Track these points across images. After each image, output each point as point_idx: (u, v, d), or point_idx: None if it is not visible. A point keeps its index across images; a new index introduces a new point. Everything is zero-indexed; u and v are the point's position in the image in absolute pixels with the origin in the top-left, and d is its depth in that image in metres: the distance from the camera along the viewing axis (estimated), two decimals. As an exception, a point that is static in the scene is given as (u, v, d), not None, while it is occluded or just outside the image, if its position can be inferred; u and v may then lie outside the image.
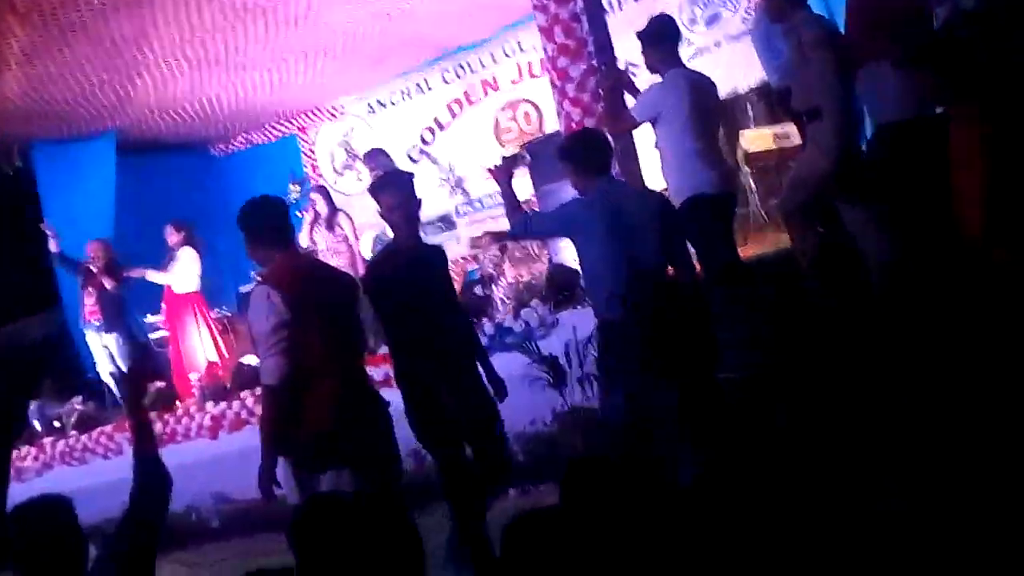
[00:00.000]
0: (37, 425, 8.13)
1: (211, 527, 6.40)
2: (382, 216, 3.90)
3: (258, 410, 6.58)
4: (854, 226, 4.42)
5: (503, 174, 4.01)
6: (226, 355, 8.34)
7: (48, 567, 2.51)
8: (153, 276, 8.36)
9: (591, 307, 5.30)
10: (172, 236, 8.31)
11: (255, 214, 3.54)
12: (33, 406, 8.29)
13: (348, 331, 3.59)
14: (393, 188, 3.86)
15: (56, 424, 7.94)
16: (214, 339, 8.36)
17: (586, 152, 3.90)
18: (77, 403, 7.99)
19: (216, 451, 6.62)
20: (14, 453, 7.84)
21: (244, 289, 9.11)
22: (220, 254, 10.75)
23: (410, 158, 10.13)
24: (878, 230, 4.27)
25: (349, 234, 7.76)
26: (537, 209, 5.92)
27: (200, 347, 8.24)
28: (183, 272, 8.24)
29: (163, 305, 8.43)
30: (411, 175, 4.09)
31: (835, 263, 4.61)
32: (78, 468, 7.26)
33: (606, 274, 3.76)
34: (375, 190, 3.93)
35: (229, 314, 9.20)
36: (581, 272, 4.04)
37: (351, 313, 3.68)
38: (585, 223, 3.79)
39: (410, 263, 3.77)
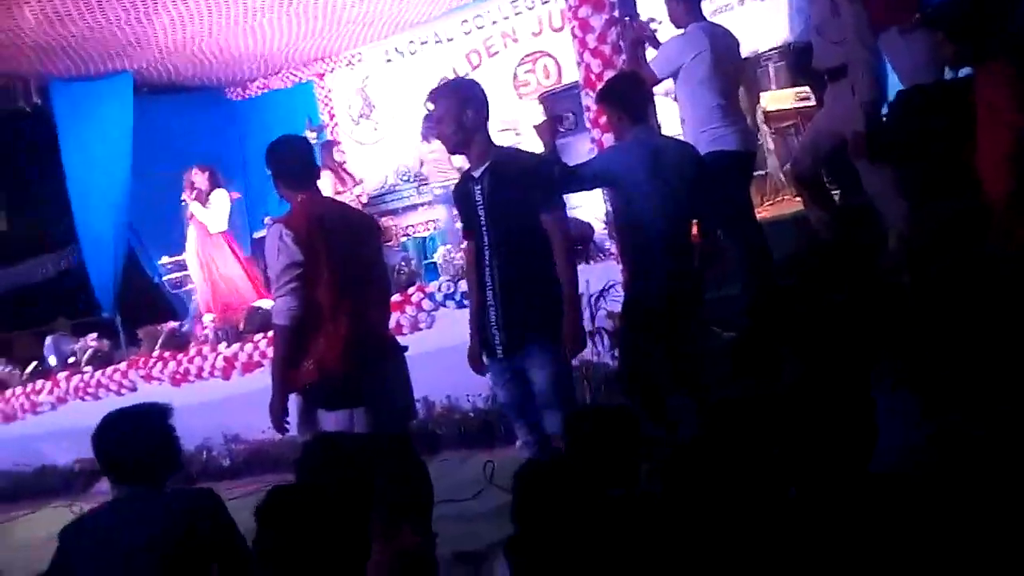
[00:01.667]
0: (52, 359, 8.25)
1: (223, 466, 6.51)
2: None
3: (271, 352, 6.65)
4: (873, 190, 4.41)
5: (547, 133, 3.98)
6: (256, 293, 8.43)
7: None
8: (199, 212, 8.40)
9: (606, 260, 5.34)
10: (198, 177, 8.32)
11: (279, 152, 3.56)
12: (49, 341, 8.41)
13: (366, 274, 3.59)
14: None
15: (71, 360, 8.05)
16: (250, 277, 8.40)
17: (628, 96, 3.88)
18: (92, 340, 8.09)
19: (229, 392, 6.70)
20: (29, 386, 7.99)
21: (258, 234, 9.17)
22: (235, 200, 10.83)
23: (427, 108, 10.07)
24: (898, 197, 4.25)
25: (221, 213, 8.00)
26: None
27: (238, 284, 8.27)
28: (219, 212, 8.30)
29: (194, 245, 8.44)
30: None
31: (852, 227, 4.60)
32: (92, 403, 7.36)
33: (640, 222, 3.77)
34: None
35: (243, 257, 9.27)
36: (614, 219, 4.03)
37: (370, 256, 3.69)
38: (622, 169, 3.78)
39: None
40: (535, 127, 4.03)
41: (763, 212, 5.84)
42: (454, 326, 6.17)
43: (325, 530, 2.00)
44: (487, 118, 3.46)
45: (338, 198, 8.32)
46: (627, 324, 4.03)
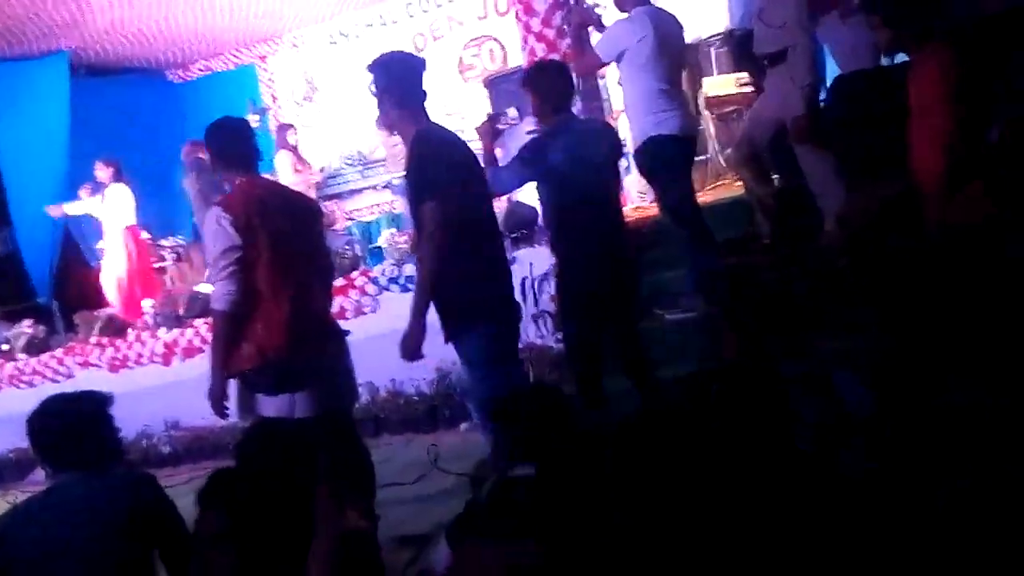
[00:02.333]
0: (-15, 347, 8.04)
1: (163, 453, 6.43)
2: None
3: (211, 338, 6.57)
4: (811, 174, 4.48)
5: (486, 136, 3.96)
6: (170, 285, 8.43)
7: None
8: (85, 208, 8.38)
9: (547, 245, 5.35)
10: (101, 171, 8.33)
11: (218, 134, 3.50)
12: (-20, 327, 8.19)
13: (307, 257, 3.55)
14: None
15: (4, 347, 7.84)
16: (150, 271, 8.47)
17: (548, 83, 3.88)
18: (26, 326, 7.89)
19: (169, 378, 6.60)
20: (-38, 373, 7.77)
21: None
22: (176, 182, 10.64)
23: (371, 92, 9.98)
24: (835, 180, 4.33)
25: (118, 209, 8.07)
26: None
27: (133, 280, 8.34)
28: (117, 208, 8.27)
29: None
30: None
31: (791, 211, 4.68)
32: (27, 391, 7.19)
33: (569, 207, 3.78)
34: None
35: (184, 243, 9.13)
36: (543, 208, 4.04)
37: (312, 239, 3.64)
38: (546, 158, 3.78)
39: None
40: (476, 129, 4.02)
41: (704, 196, 5.90)
42: (398, 310, 6.18)
43: (266, 513, 1.98)
44: (414, 94, 3.40)
45: (297, 182, 8.37)
46: (563, 310, 4.05)
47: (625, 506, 1.87)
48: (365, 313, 6.16)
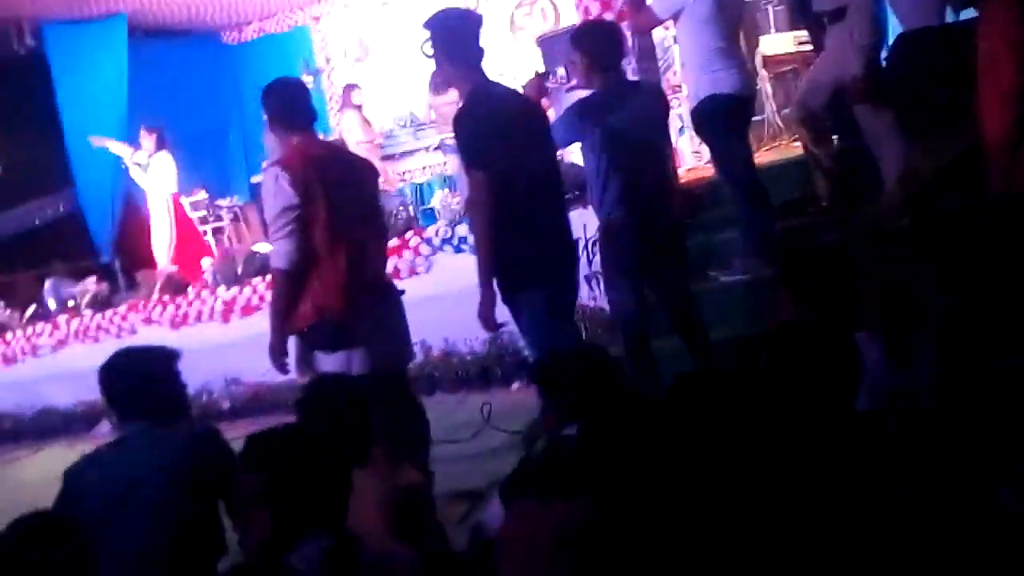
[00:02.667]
0: (52, 303, 8.28)
1: (222, 408, 6.59)
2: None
3: (269, 296, 6.68)
4: (871, 133, 4.40)
5: (534, 90, 3.95)
6: (228, 244, 8.59)
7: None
8: (133, 170, 8.49)
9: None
10: (145, 139, 8.40)
11: (275, 94, 3.54)
12: (48, 284, 8.43)
13: (363, 216, 3.58)
14: None
15: (70, 303, 8.08)
16: (191, 237, 8.58)
17: (596, 42, 3.84)
18: (91, 283, 8.11)
19: (228, 335, 6.75)
20: (29, 329, 8.03)
21: (255, 179, 9.15)
22: (230, 144, 10.78)
23: (424, 53, 9.97)
24: (896, 140, 4.24)
25: (162, 177, 8.15)
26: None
27: (171, 245, 8.43)
28: (161, 176, 8.37)
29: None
30: None
31: (850, 171, 4.60)
32: (92, 346, 7.41)
33: (607, 170, 3.76)
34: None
35: (241, 204, 9.27)
36: (587, 168, 4.03)
37: (368, 199, 3.68)
38: (589, 117, 3.77)
39: None
40: (524, 87, 4.01)
41: (760, 157, 5.82)
42: (451, 270, 6.22)
43: (309, 472, 2.01)
44: (471, 51, 3.40)
45: (363, 140, 8.43)
46: (606, 273, 4.03)
47: (678, 465, 1.89)
48: (418, 273, 6.22)
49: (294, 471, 1.98)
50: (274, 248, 3.43)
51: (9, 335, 8.13)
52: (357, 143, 8.66)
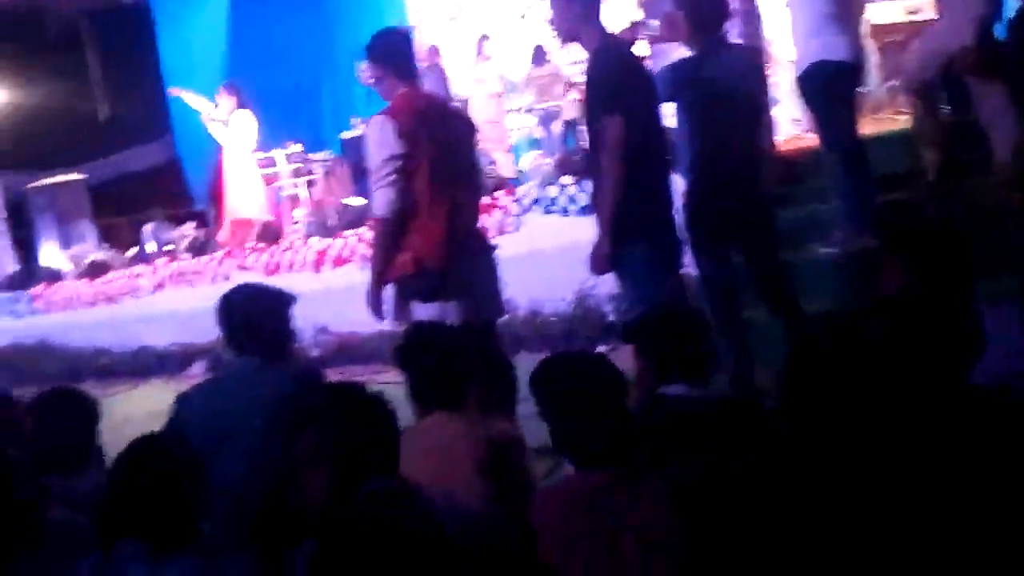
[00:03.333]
0: (152, 246, 8.58)
1: (310, 357, 6.73)
2: None
3: (360, 248, 6.81)
4: (985, 108, 4.25)
5: (627, 39, 3.92)
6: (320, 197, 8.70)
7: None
8: (211, 126, 8.65)
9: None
10: (224, 98, 8.50)
11: (381, 45, 3.59)
12: (148, 228, 8.73)
13: (462, 169, 3.62)
14: None
15: (168, 247, 8.36)
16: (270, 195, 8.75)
17: (701, 3, 3.79)
18: (189, 229, 8.36)
19: (319, 285, 6.90)
20: (129, 271, 8.33)
21: (346, 135, 9.29)
22: (323, 100, 10.93)
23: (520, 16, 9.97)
24: (1010, 114, 4.10)
25: (243, 135, 8.25)
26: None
27: (253, 202, 8.61)
28: (241, 134, 8.50)
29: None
30: None
31: (959, 145, 4.46)
32: (188, 290, 7.66)
33: (698, 134, 3.73)
34: None
35: (332, 158, 9.42)
36: (679, 131, 3.98)
37: (467, 152, 3.72)
38: (686, 82, 3.72)
39: None
40: (619, 33, 3.98)
41: (864, 128, 5.66)
42: (540, 231, 6.25)
43: (368, 428, 2.03)
44: (597, 3, 3.41)
45: (495, 95, 8.45)
46: (692, 240, 3.99)
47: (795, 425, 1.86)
48: (507, 233, 6.26)
49: (351, 427, 2.00)
50: (376, 196, 3.49)
51: (111, 274, 8.43)
52: (489, 95, 8.72)
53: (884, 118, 6.20)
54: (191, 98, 8.71)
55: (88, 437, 2.95)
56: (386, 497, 1.86)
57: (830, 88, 4.25)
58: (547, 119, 9.17)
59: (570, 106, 8.61)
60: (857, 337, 1.86)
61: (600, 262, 3.41)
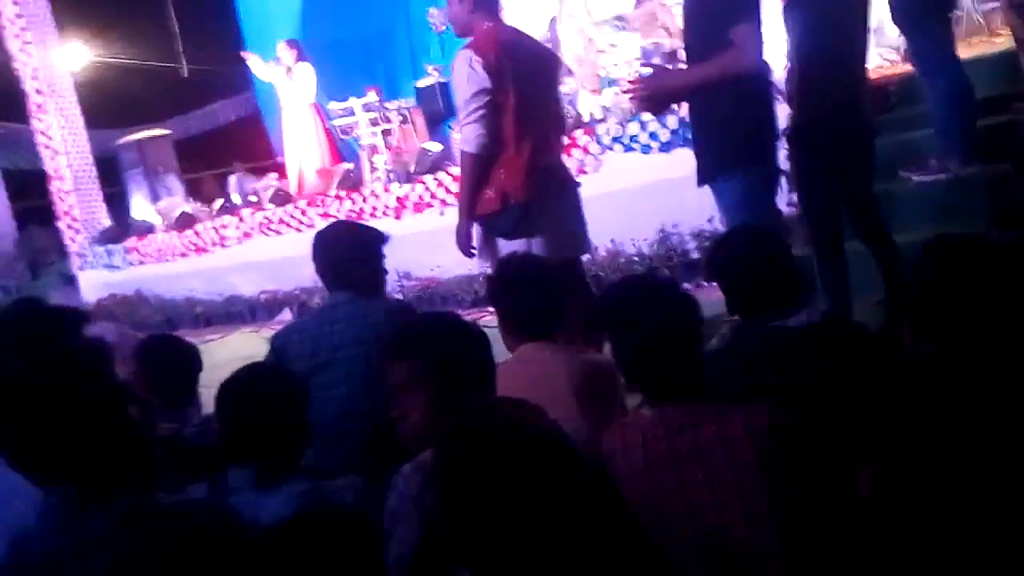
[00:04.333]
0: (237, 197, 8.77)
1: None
2: None
3: (440, 193, 6.85)
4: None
5: None
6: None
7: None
8: (264, 71, 8.90)
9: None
10: (284, 52, 8.72)
11: None
12: (232, 180, 8.92)
13: (547, 105, 3.60)
14: None
15: (252, 199, 8.52)
16: (332, 147, 8.95)
17: None
18: (272, 179, 8.50)
19: (400, 230, 6.95)
20: (217, 222, 8.53)
21: (420, 83, 9.29)
22: (397, 48, 10.92)
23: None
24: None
25: (307, 87, 8.45)
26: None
27: (317, 153, 8.80)
28: (303, 86, 8.69)
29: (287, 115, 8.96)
30: None
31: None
32: (274, 238, 7.81)
33: (804, 66, 3.60)
34: None
35: (408, 106, 9.44)
36: (789, 59, 3.87)
37: (552, 88, 3.68)
38: (795, 15, 3.60)
39: None
40: None
41: (959, 53, 5.44)
42: (620, 170, 6.18)
43: (461, 356, 2.02)
44: None
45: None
46: (798, 166, 3.88)
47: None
48: (586, 172, 6.19)
49: (446, 358, 2.00)
50: (464, 132, 3.48)
51: (200, 227, 8.66)
52: (579, 31, 8.60)
53: (980, 41, 5.95)
54: (252, 61, 8.99)
55: (190, 380, 3.06)
56: (499, 409, 1.87)
57: (922, 10, 4.08)
58: (648, 56, 8.93)
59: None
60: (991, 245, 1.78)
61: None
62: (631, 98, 3.36)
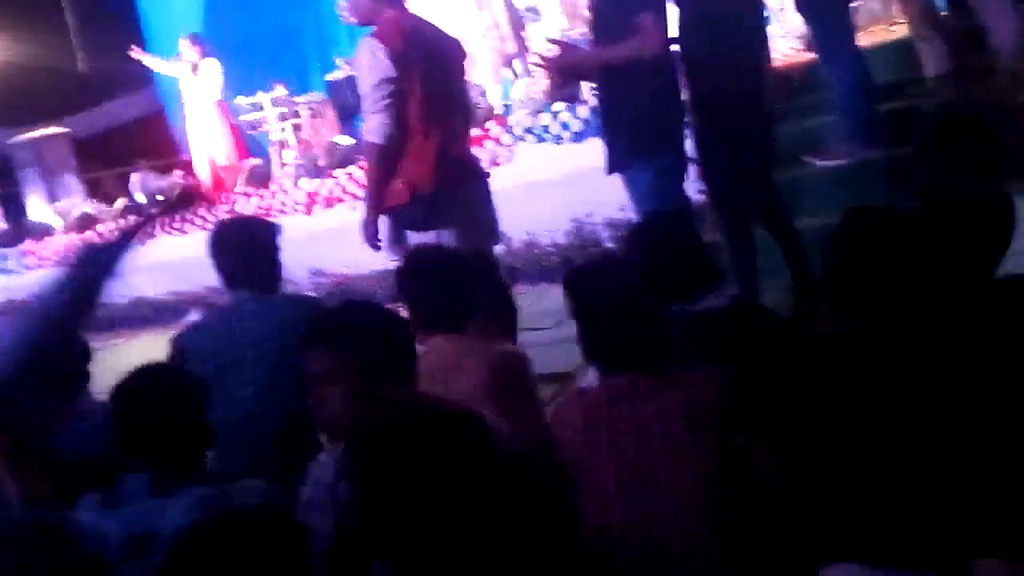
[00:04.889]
0: (141, 196, 8.48)
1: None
2: None
3: (351, 187, 6.73)
4: (984, 7, 4.17)
5: None
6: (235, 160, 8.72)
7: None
8: (163, 67, 8.74)
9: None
10: (187, 49, 8.53)
11: None
12: (135, 179, 8.63)
13: (454, 94, 3.55)
14: None
15: (159, 197, 8.26)
16: (237, 140, 8.75)
17: None
18: (178, 177, 8.25)
19: (311, 227, 6.83)
20: (120, 222, 8.25)
21: (330, 76, 9.15)
22: (306, 41, 10.74)
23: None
24: (1010, 12, 4.01)
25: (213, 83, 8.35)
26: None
27: (223, 149, 8.62)
28: (209, 82, 8.51)
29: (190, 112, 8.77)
30: None
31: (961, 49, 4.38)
32: (180, 238, 7.58)
33: (697, 54, 3.63)
34: None
35: (318, 100, 9.27)
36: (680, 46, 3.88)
37: (458, 77, 3.64)
38: None
39: None
40: None
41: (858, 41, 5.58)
42: (534, 161, 6.16)
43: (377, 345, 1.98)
44: None
45: None
46: (701, 150, 3.91)
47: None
48: (499, 164, 6.15)
49: (368, 346, 1.96)
50: (368, 122, 3.41)
51: (101, 228, 8.35)
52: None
53: (879, 30, 6.10)
54: (149, 60, 8.77)
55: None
56: (415, 403, 1.83)
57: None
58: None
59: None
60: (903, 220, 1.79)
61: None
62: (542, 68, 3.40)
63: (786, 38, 6.21)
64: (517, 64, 7.08)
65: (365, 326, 2.00)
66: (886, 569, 1.00)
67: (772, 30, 6.17)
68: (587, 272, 2.23)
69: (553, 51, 3.51)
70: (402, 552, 1.40)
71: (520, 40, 7.39)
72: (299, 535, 1.45)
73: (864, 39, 5.82)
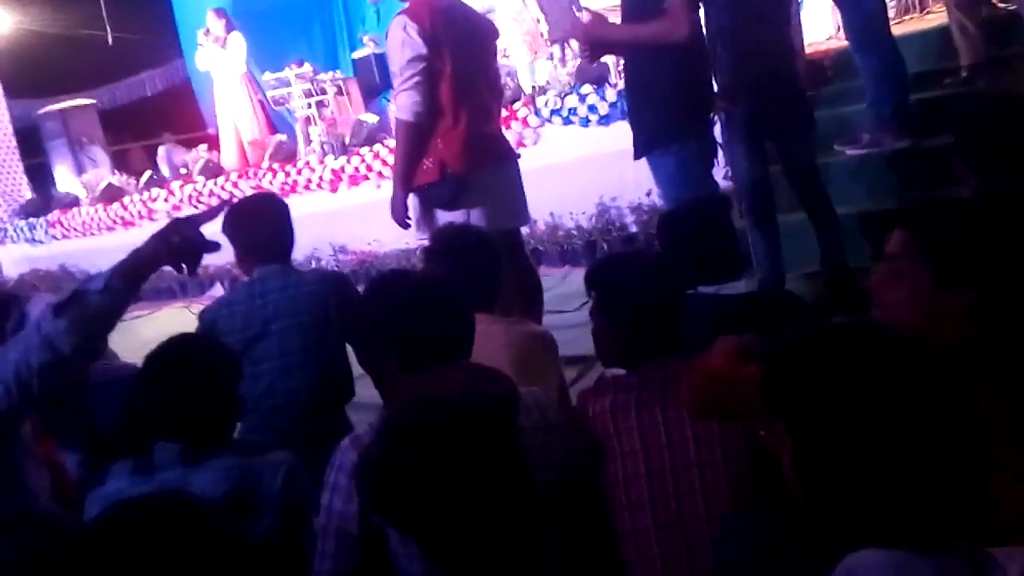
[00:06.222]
0: (166, 169, 8.52)
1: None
2: None
3: (376, 165, 6.73)
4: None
5: None
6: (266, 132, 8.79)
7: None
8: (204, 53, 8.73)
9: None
10: (213, 22, 8.54)
11: None
12: (161, 152, 8.66)
13: (484, 74, 3.54)
14: None
15: (183, 170, 8.29)
16: (266, 117, 8.85)
17: None
18: (203, 151, 8.28)
19: (336, 204, 6.85)
20: (145, 195, 8.29)
21: (356, 55, 9.15)
22: (333, 20, 10.74)
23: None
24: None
25: (239, 56, 8.39)
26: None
27: (249, 124, 8.67)
28: (236, 56, 8.55)
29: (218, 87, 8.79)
30: None
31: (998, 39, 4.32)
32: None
33: (729, 40, 3.60)
34: None
35: (343, 78, 9.28)
36: (707, 31, 3.85)
37: (489, 57, 3.62)
38: None
39: None
40: None
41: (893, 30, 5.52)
42: (560, 143, 6.14)
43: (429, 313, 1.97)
44: None
45: None
46: (730, 135, 3.88)
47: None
48: (525, 145, 6.13)
49: (419, 313, 1.94)
50: (399, 100, 3.40)
51: (127, 200, 8.40)
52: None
53: (913, 18, 6.04)
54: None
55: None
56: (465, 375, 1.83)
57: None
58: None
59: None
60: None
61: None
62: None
63: (818, 25, 6.17)
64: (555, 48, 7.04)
65: (415, 295, 1.95)
66: (911, 551, 1.00)
67: (804, 16, 6.15)
68: (610, 267, 2.23)
69: (585, 19, 3.50)
70: (429, 524, 1.39)
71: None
72: (202, 531, 1.40)
73: (897, 28, 5.78)
